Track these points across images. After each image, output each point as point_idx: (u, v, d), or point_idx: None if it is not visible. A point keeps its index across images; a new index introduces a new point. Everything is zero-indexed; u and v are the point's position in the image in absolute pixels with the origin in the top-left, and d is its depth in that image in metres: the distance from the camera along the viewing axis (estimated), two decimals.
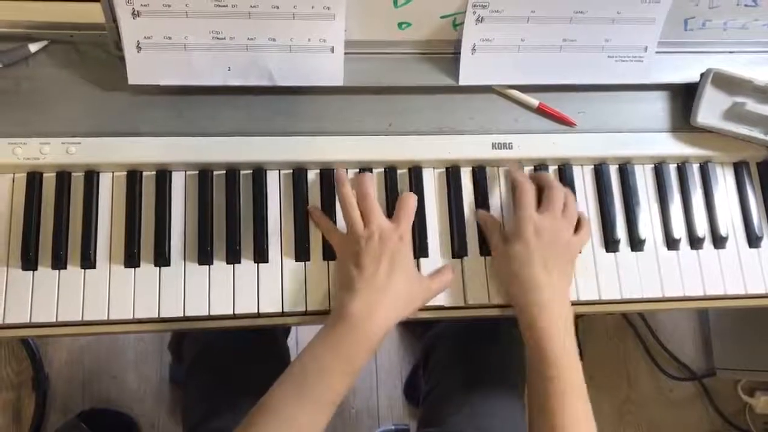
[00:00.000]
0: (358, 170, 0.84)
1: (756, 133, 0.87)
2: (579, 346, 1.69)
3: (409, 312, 0.77)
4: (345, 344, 0.72)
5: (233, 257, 0.80)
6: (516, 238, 0.79)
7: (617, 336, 1.76)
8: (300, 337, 1.58)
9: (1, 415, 1.53)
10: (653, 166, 0.90)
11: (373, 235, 0.76)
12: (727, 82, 0.87)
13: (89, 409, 1.53)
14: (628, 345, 1.76)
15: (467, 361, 1.03)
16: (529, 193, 0.81)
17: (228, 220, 0.81)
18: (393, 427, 1.58)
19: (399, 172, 0.85)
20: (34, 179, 0.79)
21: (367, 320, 0.72)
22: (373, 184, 0.81)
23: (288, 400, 0.70)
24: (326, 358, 0.71)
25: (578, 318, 1.70)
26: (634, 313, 1.73)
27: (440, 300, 0.82)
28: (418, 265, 0.82)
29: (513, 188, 0.83)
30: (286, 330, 1.24)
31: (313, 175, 0.84)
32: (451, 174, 0.86)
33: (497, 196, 0.86)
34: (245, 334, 1.00)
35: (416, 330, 1.60)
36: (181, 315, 0.78)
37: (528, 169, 0.87)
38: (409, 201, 0.80)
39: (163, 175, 0.81)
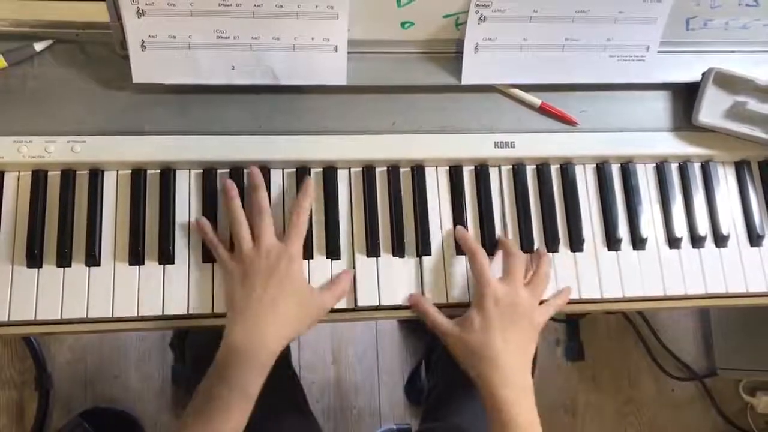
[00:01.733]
0: (361, 169, 0.85)
1: (757, 133, 0.88)
2: (581, 346, 1.71)
3: (302, 331, 0.76)
4: (235, 374, 0.71)
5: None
6: (475, 309, 0.78)
7: (619, 336, 1.77)
8: (303, 338, 1.59)
9: (4, 414, 1.53)
10: (655, 165, 0.90)
11: (261, 256, 0.75)
12: (728, 82, 0.87)
13: (92, 408, 1.53)
14: (629, 345, 1.76)
15: None
16: (484, 260, 0.80)
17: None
18: (395, 427, 1.58)
19: (402, 170, 0.85)
20: (39, 177, 0.80)
21: (254, 347, 0.72)
22: (266, 197, 0.79)
23: (198, 422, 0.70)
24: (221, 390, 0.71)
25: (580, 318, 1.71)
26: (635, 313, 1.73)
27: (443, 298, 0.82)
28: (420, 265, 0.83)
29: (468, 255, 0.82)
30: None
31: (316, 174, 0.84)
32: (454, 173, 0.86)
33: (499, 195, 0.86)
34: None
35: (418, 329, 1.61)
36: (185, 312, 0.79)
37: (530, 168, 0.88)
38: (301, 217, 0.78)
39: (167, 174, 0.82)
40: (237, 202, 0.79)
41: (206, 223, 0.79)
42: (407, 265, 0.83)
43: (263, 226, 0.77)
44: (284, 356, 1.10)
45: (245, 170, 0.83)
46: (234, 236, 0.77)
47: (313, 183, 0.82)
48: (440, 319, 0.79)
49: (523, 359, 0.77)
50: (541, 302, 0.81)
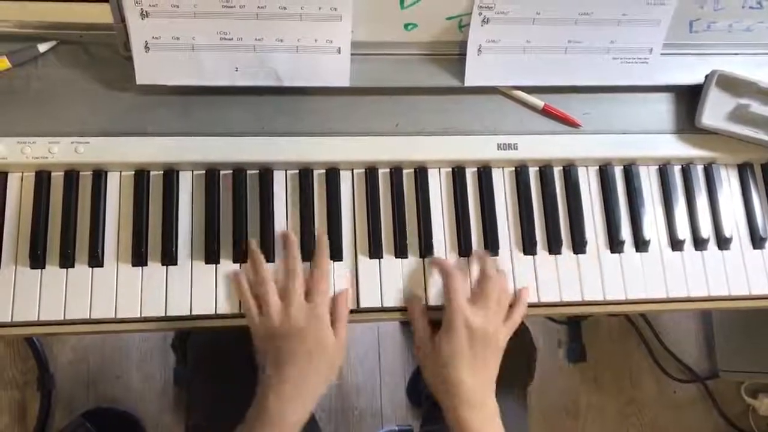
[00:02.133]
0: (363, 170, 0.85)
1: (760, 135, 0.87)
2: (583, 348, 1.70)
3: (332, 381, 0.77)
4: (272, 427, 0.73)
5: (240, 256, 0.80)
6: (445, 333, 0.77)
7: (620, 338, 1.77)
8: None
9: (6, 414, 1.53)
10: (658, 167, 0.90)
11: (291, 321, 0.75)
12: (731, 84, 0.87)
13: (94, 409, 1.53)
14: (631, 347, 1.76)
15: None
16: (458, 283, 0.78)
17: (235, 219, 0.81)
18: (396, 428, 1.59)
19: (405, 172, 0.85)
20: (42, 178, 0.80)
21: (284, 416, 0.73)
22: (298, 258, 0.79)
23: None
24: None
25: (582, 319, 1.71)
26: (637, 315, 1.73)
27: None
28: (424, 267, 0.83)
29: (442, 277, 0.81)
30: None
31: (319, 175, 0.84)
32: (457, 174, 0.86)
33: (502, 196, 0.86)
34: (248, 334, 1.00)
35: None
36: (188, 314, 0.79)
37: (533, 170, 0.88)
38: (323, 273, 0.79)
39: (170, 175, 0.82)
40: (263, 264, 0.79)
41: (244, 278, 0.79)
42: (409, 266, 0.83)
43: (293, 288, 0.77)
44: None
45: (248, 171, 0.83)
46: (261, 298, 0.77)
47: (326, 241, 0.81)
48: (421, 335, 0.80)
49: (488, 384, 0.78)
50: None
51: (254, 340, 0.78)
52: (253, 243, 0.80)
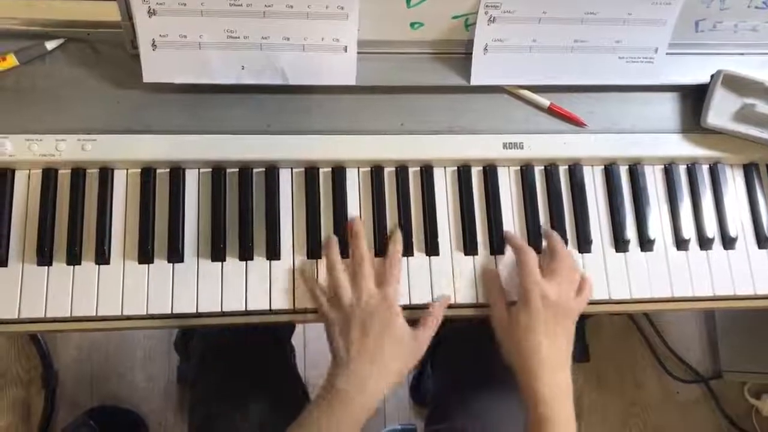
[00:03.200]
0: (369, 168, 0.85)
1: (766, 135, 0.88)
2: (586, 347, 1.70)
3: (402, 378, 0.77)
4: (339, 421, 0.72)
5: (246, 254, 0.81)
6: (522, 305, 0.78)
7: (624, 337, 1.76)
8: (306, 333, 1.59)
9: (10, 412, 1.53)
10: (663, 166, 0.90)
11: (360, 305, 0.76)
12: (737, 84, 0.87)
13: (97, 406, 1.54)
14: (634, 347, 1.76)
15: (475, 361, 1.03)
16: (532, 258, 0.80)
17: (241, 217, 0.82)
18: (399, 427, 1.59)
19: (410, 170, 0.86)
20: (49, 175, 0.80)
21: (359, 395, 0.73)
22: (365, 245, 0.80)
23: None
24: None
25: (585, 319, 1.71)
26: (640, 315, 1.73)
27: (452, 298, 0.82)
28: (429, 265, 0.83)
29: (515, 252, 0.83)
30: (290, 329, 1.25)
31: (325, 174, 0.85)
32: (463, 173, 0.86)
33: (508, 195, 0.87)
34: (252, 332, 1.01)
35: None
36: (194, 311, 0.79)
37: (538, 169, 0.88)
38: (395, 262, 0.80)
39: (176, 173, 0.82)
40: (335, 249, 0.80)
41: (311, 275, 0.81)
42: (415, 264, 0.83)
43: (363, 274, 0.78)
44: (291, 365, 1.10)
45: (254, 169, 0.83)
46: (333, 285, 0.78)
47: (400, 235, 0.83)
48: (500, 313, 0.80)
49: (564, 357, 0.79)
50: None
51: (326, 330, 0.78)
52: (332, 237, 0.82)
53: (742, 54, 0.89)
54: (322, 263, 0.82)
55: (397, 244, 0.81)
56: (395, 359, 0.76)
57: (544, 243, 0.85)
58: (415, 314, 0.81)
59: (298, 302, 0.80)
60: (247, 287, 0.80)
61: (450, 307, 0.82)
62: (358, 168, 0.85)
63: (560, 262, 0.81)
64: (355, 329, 0.75)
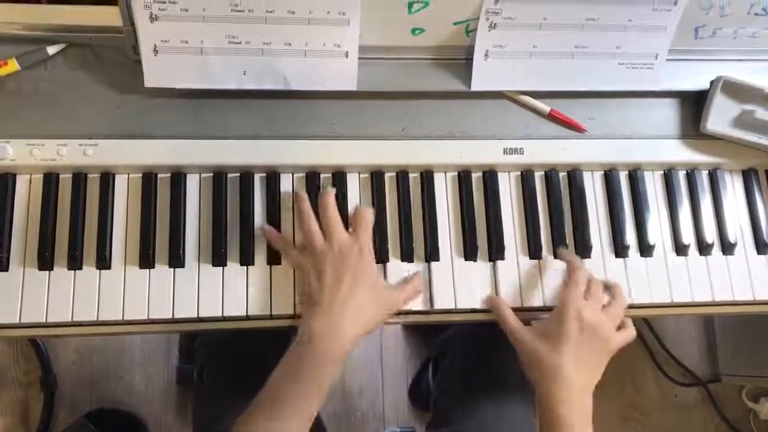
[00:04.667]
0: (370, 174, 0.85)
1: (765, 141, 0.88)
2: None
3: (376, 325, 0.77)
4: (313, 364, 0.72)
5: (247, 259, 0.81)
6: (557, 318, 0.77)
7: None
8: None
9: (9, 414, 1.53)
10: (663, 172, 0.90)
11: (333, 249, 0.76)
12: (736, 90, 0.87)
13: (97, 409, 1.53)
14: (633, 350, 1.76)
15: (479, 365, 1.03)
16: (581, 277, 0.79)
17: (242, 222, 0.82)
18: (398, 430, 1.59)
19: (411, 176, 0.86)
20: (50, 180, 0.80)
21: (332, 338, 0.73)
22: (334, 198, 0.80)
23: (264, 421, 0.71)
24: (297, 379, 0.72)
25: None
26: (639, 319, 1.73)
27: (452, 304, 0.83)
28: (429, 270, 0.83)
29: (568, 268, 0.82)
30: (295, 331, 1.25)
31: (326, 179, 0.85)
32: (463, 179, 0.86)
33: (508, 201, 0.87)
34: (257, 335, 1.01)
35: (426, 333, 1.61)
36: (195, 316, 0.79)
37: (538, 174, 0.88)
38: (366, 213, 0.80)
39: (177, 178, 0.82)
40: (307, 203, 0.80)
41: (271, 228, 0.81)
42: (415, 270, 0.83)
43: (331, 221, 0.78)
44: None
45: (255, 174, 0.83)
46: (305, 233, 0.79)
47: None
48: (516, 325, 0.80)
49: (589, 383, 0.77)
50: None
51: (299, 279, 0.79)
52: (301, 192, 0.82)
53: (741, 60, 0.89)
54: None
55: (365, 208, 0.81)
56: (369, 305, 0.76)
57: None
58: (417, 319, 0.81)
59: (300, 307, 0.80)
60: (248, 292, 0.80)
61: (451, 312, 0.83)
62: (359, 173, 0.85)
63: (595, 287, 0.80)
64: (329, 274, 0.75)
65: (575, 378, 0.75)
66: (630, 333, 0.82)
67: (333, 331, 0.73)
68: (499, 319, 0.81)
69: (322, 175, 0.84)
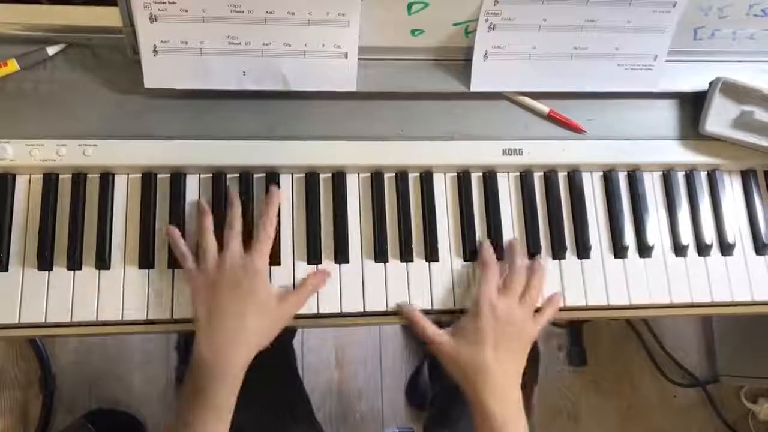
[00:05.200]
0: (369, 174, 0.85)
1: (764, 142, 0.88)
2: (584, 352, 1.71)
3: (266, 342, 0.77)
4: (206, 392, 0.72)
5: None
6: (472, 316, 0.78)
7: (621, 342, 1.77)
8: (306, 339, 1.59)
9: (8, 415, 1.53)
10: (662, 173, 0.91)
11: (224, 269, 0.75)
12: (735, 91, 0.88)
13: (96, 410, 1.54)
14: (632, 351, 1.77)
15: None
16: (493, 275, 0.80)
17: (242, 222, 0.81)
18: (397, 430, 1.59)
19: (410, 176, 0.86)
20: (50, 180, 0.80)
21: (221, 363, 0.72)
22: (239, 213, 0.79)
23: None
24: (196, 410, 0.72)
25: (583, 324, 1.72)
26: (638, 319, 1.74)
27: (450, 304, 0.83)
28: (429, 271, 0.83)
29: (480, 265, 0.82)
30: (291, 332, 1.25)
31: (325, 179, 0.85)
32: (462, 179, 0.86)
33: (507, 201, 0.87)
34: None
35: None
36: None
37: (537, 175, 0.88)
38: (267, 229, 0.78)
39: (177, 178, 0.82)
40: (208, 217, 0.79)
41: (175, 232, 0.79)
42: (415, 270, 0.83)
43: (230, 240, 0.77)
44: (290, 358, 1.10)
45: (255, 175, 0.83)
46: (200, 248, 0.77)
47: (279, 192, 0.81)
48: (430, 329, 0.80)
49: (514, 374, 0.78)
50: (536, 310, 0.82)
51: (191, 291, 0.77)
52: (201, 201, 0.81)
53: (740, 61, 0.89)
54: (323, 266, 0.82)
55: (271, 204, 0.80)
56: (259, 327, 0.75)
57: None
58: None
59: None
60: None
61: (450, 312, 0.83)
62: (359, 174, 0.86)
63: (515, 278, 0.81)
64: (218, 296, 0.74)
65: (498, 369, 0.76)
66: (548, 314, 0.82)
67: (221, 356, 0.72)
68: (415, 327, 0.81)
69: (321, 176, 0.84)
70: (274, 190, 0.81)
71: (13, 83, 0.81)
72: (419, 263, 0.84)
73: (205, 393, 0.71)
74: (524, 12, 0.80)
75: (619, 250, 0.87)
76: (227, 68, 0.80)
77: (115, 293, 0.79)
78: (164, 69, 0.79)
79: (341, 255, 0.82)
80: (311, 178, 0.84)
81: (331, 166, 0.84)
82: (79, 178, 0.81)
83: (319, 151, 0.83)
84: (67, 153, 0.79)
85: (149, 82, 0.80)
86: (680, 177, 0.91)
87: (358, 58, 0.81)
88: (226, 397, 0.73)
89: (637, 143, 0.89)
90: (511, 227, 0.86)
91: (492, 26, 0.81)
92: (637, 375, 1.76)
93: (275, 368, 1.03)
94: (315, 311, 0.81)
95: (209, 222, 0.79)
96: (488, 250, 0.83)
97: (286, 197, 0.83)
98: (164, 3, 0.75)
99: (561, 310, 0.84)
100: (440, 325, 0.80)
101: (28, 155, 0.79)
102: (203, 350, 0.73)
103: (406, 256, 0.83)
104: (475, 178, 0.87)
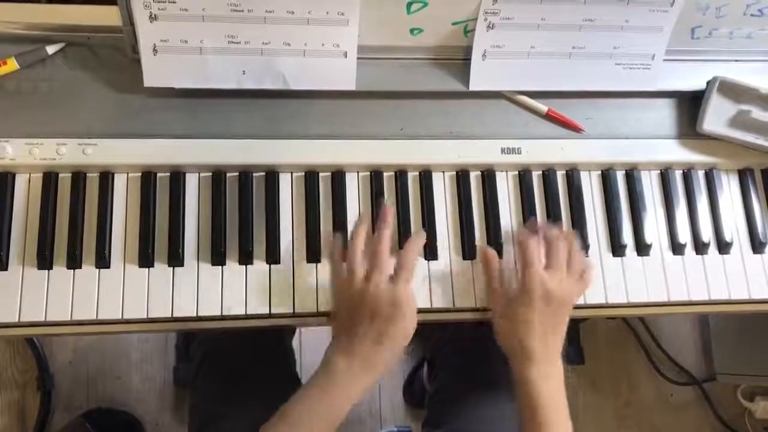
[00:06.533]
0: (369, 173, 0.86)
1: (761, 141, 0.88)
2: (581, 350, 1.71)
3: (391, 369, 0.78)
4: (327, 401, 0.74)
5: (246, 258, 0.81)
6: (522, 297, 0.78)
7: (618, 340, 1.77)
8: (305, 339, 1.59)
9: (6, 414, 1.53)
10: (659, 172, 0.91)
11: (368, 292, 0.75)
12: (732, 90, 0.88)
13: (93, 409, 1.53)
14: (629, 349, 1.77)
15: (473, 365, 1.04)
16: (534, 249, 0.80)
17: (241, 221, 0.82)
18: (395, 429, 1.59)
19: (410, 175, 0.86)
20: (50, 179, 0.80)
21: (350, 379, 0.74)
22: (390, 235, 0.78)
23: None
24: (313, 413, 0.74)
25: (580, 322, 1.72)
26: (635, 318, 1.74)
27: (449, 303, 0.83)
28: (428, 269, 0.84)
29: (518, 245, 0.82)
30: (291, 331, 1.25)
31: (324, 178, 0.85)
32: (461, 178, 0.87)
33: (506, 200, 0.87)
34: (252, 335, 1.01)
35: (421, 333, 1.61)
36: (194, 315, 0.79)
37: (536, 174, 0.88)
38: (410, 257, 0.78)
39: (177, 177, 0.82)
40: (361, 236, 0.79)
41: (336, 245, 0.81)
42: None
43: (378, 263, 0.76)
44: (290, 358, 1.10)
45: (254, 174, 0.83)
46: (348, 264, 0.78)
47: (423, 233, 0.83)
48: (496, 296, 0.81)
49: (557, 349, 0.80)
50: None
51: (333, 305, 0.80)
52: (360, 224, 0.81)
53: (737, 61, 0.90)
54: (322, 266, 0.82)
55: (412, 243, 0.80)
56: (387, 360, 0.76)
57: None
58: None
59: (298, 306, 0.81)
60: (247, 291, 0.80)
61: (448, 311, 0.83)
62: (358, 172, 0.86)
63: (559, 251, 0.80)
64: (359, 318, 0.75)
65: (545, 352, 0.78)
66: (590, 275, 0.83)
67: (352, 374, 0.74)
68: (488, 278, 0.83)
69: (321, 174, 0.85)
70: (421, 233, 0.83)
71: (13, 82, 0.81)
72: (418, 262, 0.84)
73: (329, 404, 0.74)
74: (523, 11, 0.80)
75: (617, 249, 0.87)
76: (227, 67, 0.80)
77: (115, 292, 0.79)
78: (164, 68, 0.79)
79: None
80: (311, 177, 0.84)
81: (330, 165, 0.84)
82: (78, 177, 0.81)
83: (318, 150, 0.83)
84: (66, 152, 0.79)
85: (149, 81, 0.80)
86: (678, 176, 0.91)
87: (358, 57, 0.81)
88: (343, 413, 0.75)
89: (635, 142, 0.89)
90: (509, 226, 0.86)
91: (491, 25, 0.81)
92: (634, 373, 1.76)
93: (274, 367, 1.04)
94: (315, 310, 0.81)
95: (362, 241, 0.79)
96: (524, 232, 0.82)
97: (287, 196, 0.84)
98: (164, 2, 0.75)
99: None
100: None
101: (27, 154, 0.79)
102: (341, 367, 0.74)
103: None
104: (474, 177, 0.87)
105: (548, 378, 0.78)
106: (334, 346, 0.76)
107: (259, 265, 0.81)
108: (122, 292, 0.79)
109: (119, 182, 0.82)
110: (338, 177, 0.85)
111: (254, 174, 0.84)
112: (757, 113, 0.87)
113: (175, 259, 0.80)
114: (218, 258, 0.80)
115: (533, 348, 0.77)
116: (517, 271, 0.83)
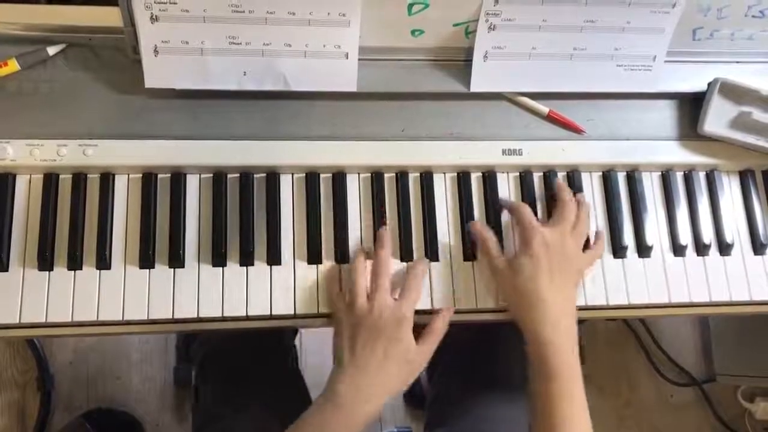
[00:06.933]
0: (370, 174, 0.85)
1: (762, 142, 0.88)
2: (581, 351, 1.70)
3: (401, 389, 0.77)
4: (336, 426, 0.73)
5: (247, 259, 0.81)
6: (524, 250, 0.79)
7: (618, 341, 1.77)
8: (306, 340, 1.59)
9: (6, 415, 1.53)
10: (660, 173, 0.91)
11: (373, 313, 0.75)
12: (734, 92, 0.88)
13: (93, 409, 1.53)
14: (629, 350, 1.77)
15: (473, 366, 1.04)
16: (527, 212, 0.81)
17: (242, 222, 0.82)
18: (395, 430, 1.59)
19: (411, 176, 0.86)
20: (50, 180, 0.80)
21: (355, 404, 0.73)
22: (390, 255, 0.80)
23: None
24: None
25: (580, 323, 1.72)
26: (635, 319, 1.74)
27: (450, 303, 0.83)
28: (429, 271, 0.83)
29: (511, 212, 0.84)
30: (293, 332, 1.25)
31: (325, 179, 0.85)
32: (462, 179, 0.87)
33: None
34: (254, 335, 1.01)
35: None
36: (195, 316, 0.79)
37: (537, 175, 0.88)
38: (417, 279, 0.79)
39: (177, 178, 0.82)
40: (362, 257, 0.80)
41: (334, 276, 0.81)
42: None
43: (380, 283, 0.77)
44: (293, 368, 1.10)
45: (255, 175, 0.83)
46: (351, 287, 0.78)
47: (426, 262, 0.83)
48: (495, 253, 0.81)
49: (569, 304, 0.79)
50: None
51: (335, 326, 0.79)
52: (361, 249, 0.82)
53: (738, 62, 0.90)
54: (323, 267, 0.82)
55: (417, 266, 0.81)
56: (398, 374, 0.76)
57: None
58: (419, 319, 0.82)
59: (299, 307, 0.81)
60: (248, 292, 0.80)
61: (456, 312, 0.83)
62: (359, 174, 0.86)
63: (564, 209, 0.81)
64: (363, 338, 0.75)
65: (553, 299, 0.77)
66: (597, 251, 0.84)
67: (357, 399, 0.73)
68: (483, 245, 0.82)
69: (321, 176, 0.84)
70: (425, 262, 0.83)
71: (14, 83, 0.81)
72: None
73: (335, 429, 0.73)
74: (524, 12, 0.80)
75: (618, 250, 0.87)
76: (228, 68, 0.80)
77: (116, 293, 0.78)
78: (165, 69, 0.79)
79: (341, 255, 0.82)
80: (312, 178, 0.84)
81: (331, 166, 0.84)
82: (79, 178, 0.81)
83: (319, 151, 0.83)
84: (67, 153, 0.79)
85: (150, 82, 0.80)
86: (679, 177, 0.91)
87: (359, 59, 0.81)
88: None
89: (636, 143, 0.89)
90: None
91: (492, 27, 0.81)
92: (634, 374, 1.77)
93: (276, 368, 1.04)
94: (315, 311, 0.81)
95: (363, 265, 0.79)
96: (508, 198, 0.85)
97: (288, 197, 0.84)
98: (165, 3, 0.75)
99: None
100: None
101: (28, 155, 0.79)
102: (343, 390, 0.73)
103: (406, 255, 0.83)
104: (475, 178, 0.87)
105: (558, 328, 0.76)
106: (336, 370, 0.76)
107: (260, 267, 0.81)
108: (123, 293, 0.79)
109: (120, 183, 0.82)
110: (339, 178, 0.84)
111: (255, 175, 0.83)
112: (758, 115, 0.87)
113: (176, 260, 0.80)
114: (219, 259, 0.80)
115: (542, 295, 0.76)
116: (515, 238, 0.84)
